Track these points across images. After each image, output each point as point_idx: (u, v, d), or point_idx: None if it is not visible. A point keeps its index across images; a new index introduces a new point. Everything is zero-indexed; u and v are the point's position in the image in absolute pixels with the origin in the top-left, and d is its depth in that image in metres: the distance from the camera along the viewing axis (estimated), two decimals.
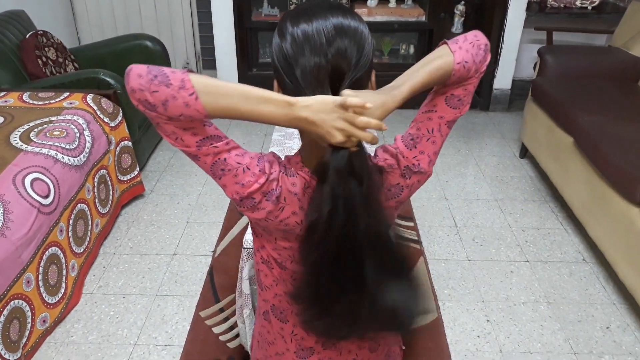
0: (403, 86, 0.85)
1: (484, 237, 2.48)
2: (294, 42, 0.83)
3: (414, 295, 0.90)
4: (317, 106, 0.79)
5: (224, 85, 0.79)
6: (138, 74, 0.78)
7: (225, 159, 0.85)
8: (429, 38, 3.73)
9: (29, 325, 1.80)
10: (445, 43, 0.90)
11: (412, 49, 3.93)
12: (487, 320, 2.01)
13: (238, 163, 0.86)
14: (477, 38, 0.91)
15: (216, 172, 0.87)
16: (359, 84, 0.86)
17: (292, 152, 0.96)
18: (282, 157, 0.96)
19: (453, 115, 0.94)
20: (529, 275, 2.24)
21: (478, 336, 1.95)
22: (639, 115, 2.48)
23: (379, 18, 3.66)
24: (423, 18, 3.67)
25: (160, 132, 0.83)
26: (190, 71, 0.79)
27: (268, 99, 0.79)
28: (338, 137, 0.79)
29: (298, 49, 0.82)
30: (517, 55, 3.70)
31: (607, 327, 1.99)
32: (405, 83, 0.86)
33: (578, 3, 3.69)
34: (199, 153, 0.84)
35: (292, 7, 3.72)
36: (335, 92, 0.83)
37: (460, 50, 0.88)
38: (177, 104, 0.77)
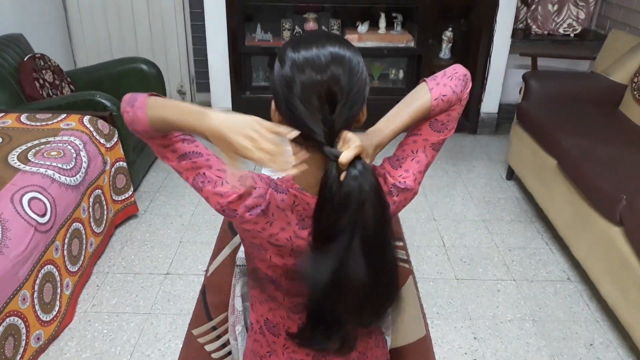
0: (385, 131, 0.95)
1: (472, 257, 2.54)
2: (294, 65, 0.87)
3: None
4: (231, 120, 0.84)
5: (166, 101, 0.92)
6: (124, 99, 0.94)
7: (204, 173, 0.93)
8: (417, 63, 3.84)
9: (23, 343, 1.82)
10: (425, 81, 0.98)
11: (401, 74, 4.04)
12: (475, 338, 2.06)
13: (218, 177, 0.93)
14: (455, 70, 0.99)
15: (196, 185, 0.94)
16: (353, 113, 0.90)
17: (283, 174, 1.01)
18: (275, 178, 1.02)
19: (437, 138, 1.00)
20: (515, 294, 2.29)
21: (465, 353, 1.99)
22: (619, 138, 2.57)
23: (369, 44, 3.77)
24: (412, 44, 3.78)
25: (154, 151, 0.96)
26: (155, 95, 0.94)
27: (191, 111, 0.88)
28: (243, 142, 0.81)
29: (298, 70, 0.87)
30: (503, 80, 3.81)
31: (591, 344, 2.04)
32: (388, 128, 0.96)
33: (561, 30, 3.82)
34: (180, 167, 0.94)
35: (284, 32, 3.82)
36: (332, 113, 0.89)
37: (438, 86, 0.97)
38: (135, 119, 0.92)
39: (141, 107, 0.90)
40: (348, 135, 0.87)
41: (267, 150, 0.80)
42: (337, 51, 0.88)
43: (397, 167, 1.00)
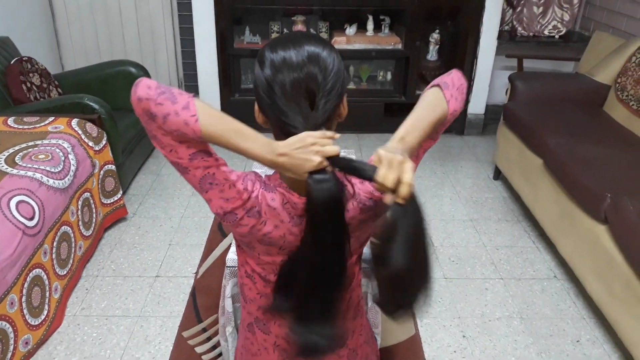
0: (414, 142, 0.93)
1: (460, 256, 2.56)
2: (273, 65, 0.91)
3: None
4: (293, 147, 0.86)
5: (222, 117, 0.87)
6: (147, 85, 0.85)
7: (214, 174, 0.91)
8: (405, 65, 3.87)
9: (11, 347, 1.81)
10: (439, 87, 0.99)
11: (389, 76, 4.06)
12: (463, 336, 2.08)
13: (225, 179, 0.92)
14: (461, 82, 1.03)
15: (204, 186, 0.92)
16: (331, 107, 0.93)
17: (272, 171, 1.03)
18: (263, 176, 1.03)
19: (429, 145, 1.05)
20: (503, 292, 2.32)
21: (455, 351, 2.01)
22: (603, 137, 2.62)
23: (357, 46, 3.79)
24: (399, 46, 3.81)
25: (155, 143, 0.89)
26: (195, 96, 0.87)
27: (255, 139, 0.87)
28: (315, 159, 0.85)
29: (276, 70, 0.91)
30: (489, 81, 3.85)
31: (578, 341, 2.07)
32: (415, 139, 0.93)
33: (546, 32, 3.88)
34: (190, 165, 0.90)
35: (273, 34, 3.83)
36: (311, 109, 0.92)
37: (452, 98, 0.99)
38: (177, 120, 0.83)
39: (192, 111, 0.83)
40: (395, 158, 0.83)
41: (329, 151, 0.85)
42: (313, 50, 0.92)
43: None
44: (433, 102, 0.97)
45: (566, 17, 3.85)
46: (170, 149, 0.88)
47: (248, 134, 0.87)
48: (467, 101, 3.88)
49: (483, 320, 2.16)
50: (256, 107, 0.99)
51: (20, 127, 2.47)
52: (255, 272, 1.06)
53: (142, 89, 0.85)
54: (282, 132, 0.93)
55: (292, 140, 0.87)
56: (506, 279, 2.41)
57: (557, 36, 3.87)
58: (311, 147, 0.85)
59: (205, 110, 0.85)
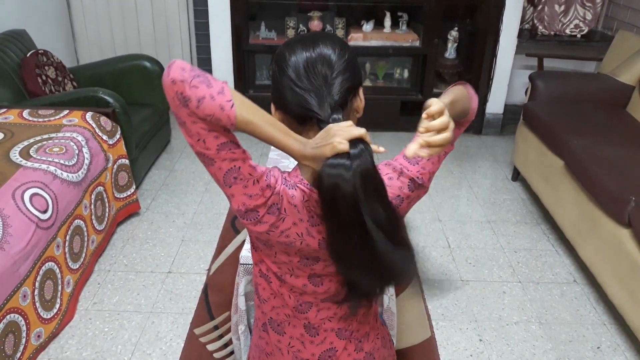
0: (457, 106, 0.96)
1: (477, 258, 2.51)
2: (288, 45, 0.94)
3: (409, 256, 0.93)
4: (319, 140, 0.85)
5: (255, 106, 0.85)
6: (182, 67, 0.81)
7: (239, 168, 0.88)
8: (422, 62, 3.81)
9: (23, 340, 1.79)
10: (466, 86, 1.05)
11: (406, 73, 4.01)
12: (480, 340, 2.03)
13: (250, 174, 0.89)
14: (473, 91, 1.08)
15: (228, 180, 0.89)
16: (345, 88, 0.92)
17: (289, 170, 1.00)
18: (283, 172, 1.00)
19: (448, 149, 1.06)
20: (521, 296, 2.27)
21: (471, 355, 1.96)
22: (627, 139, 2.55)
23: (374, 42, 3.74)
24: (417, 43, 3.76)
25: (184, 131, 0.85)
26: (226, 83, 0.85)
27: (289, 133, 0.87)
28: (343, 145, 0.82)
29: (290, 54, 0.92)
30: (509, 80, 3.78)
31: (598, 347, 2.01)
32: (458, 106, 0.97)
33: (568, 31, 3.80)
34: (217, 157, 0.86)
35: (288, 30, 3.79)
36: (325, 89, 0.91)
37: (474, 97, 1.07)
38: (212, 104, 0.80)
39: (227, 96, 0.81)
40: (445, 118, 0.83)
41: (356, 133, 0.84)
42: (326, 47, 0.93)
43: (414, 163, 1.01)
44: (465, 94, 1.02)
45: (588, 16, 3.77)
46: (198, 138, 0.84)
47: (282, 127, 0.86)
48: (485, 101, 3.83)
49: (500, 324, 2.11)
50: (272, 108, 0.97)
51: (35, 119, 2.46)
52: (271, 272, 1.03)
53: (176, 70, 0.80)
54: (298, 121, 0.93)
55: (319, 134, 0.86)
56: (524, 282, 2.35)
57: (579, 35, 3.79)
58: (334, 137, 0.83)
59: (239, 98, 0.83)
